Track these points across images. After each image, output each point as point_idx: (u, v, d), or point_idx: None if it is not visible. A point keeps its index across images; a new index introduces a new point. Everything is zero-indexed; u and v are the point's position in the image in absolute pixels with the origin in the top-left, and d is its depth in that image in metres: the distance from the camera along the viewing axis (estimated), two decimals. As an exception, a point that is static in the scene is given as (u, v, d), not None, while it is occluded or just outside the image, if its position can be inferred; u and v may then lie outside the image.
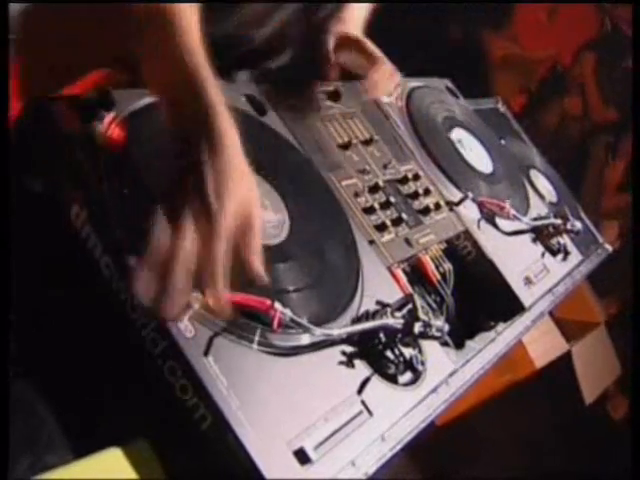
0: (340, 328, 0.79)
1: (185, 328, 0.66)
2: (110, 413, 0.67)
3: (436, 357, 0.89)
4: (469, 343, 1.09)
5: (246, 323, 0.71)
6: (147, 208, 0.72)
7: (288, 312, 0.69)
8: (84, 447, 0.63)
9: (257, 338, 0.71)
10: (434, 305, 1.06)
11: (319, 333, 0.72)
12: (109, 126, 0.77)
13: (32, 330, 0.68)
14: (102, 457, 0.62)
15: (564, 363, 2.14)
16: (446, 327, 0.88)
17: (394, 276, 0.96)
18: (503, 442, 2.17)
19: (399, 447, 0.80)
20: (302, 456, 0.67)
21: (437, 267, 1.08)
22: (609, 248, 1.66)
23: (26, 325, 0.68)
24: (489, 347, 1.15)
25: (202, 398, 0.65)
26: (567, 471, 2.27)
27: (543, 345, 2.02)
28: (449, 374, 0.91)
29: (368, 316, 0.84)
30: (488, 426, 2.06)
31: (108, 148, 0.74)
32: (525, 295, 1.13)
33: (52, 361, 0.68)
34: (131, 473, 0.63)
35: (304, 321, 0.71)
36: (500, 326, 1.17)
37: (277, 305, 0.68)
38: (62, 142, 0.72)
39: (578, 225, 1.33)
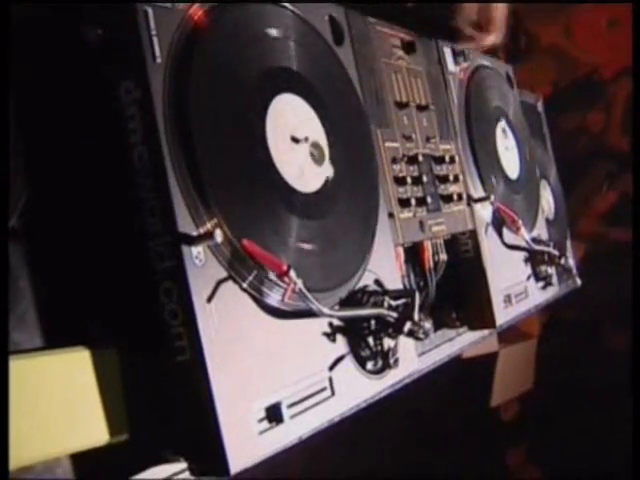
0: (336, 307, 0.76)
1: (197, 255, 0.62)
2: (91, 308, 0.62)
3: (407, 355, 0.87)
4: (431, 335, 1.09)
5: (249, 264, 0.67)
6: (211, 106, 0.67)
7: (300, 283, 0.66)
8: (55, 335, 0.60)
9: (250, 278, 0.68)
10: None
11: (316, 309, 0.69)
12: (192, 5, 0.69)
13: (36, 193, 0.63)
14: (65, 354, 0.59)
15: (488, 362, 2.19)
16: (432, 331, 0.86)
17: (396, 253, 0.93)
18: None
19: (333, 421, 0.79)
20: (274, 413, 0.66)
21: (433, 255, 1.06)
22: (578, 282, 1.66)
23: (32, 184, 0.63)
24: (445, 345, 1.15)
25: (188, 329, 0.61)
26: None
27: (477, 339, 2.05)
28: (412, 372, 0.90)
29: (364, 295, 0.81)
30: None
31: (186, 28, 0.67)
32: (500, 314, 1.13)
33: (47, 233, 0.62)
34: (89, 378, 0.60)
35: (310, 295, 0.67)
36: (462, 329, 1.17)
37: (292, 274, 0.64)
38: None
39: (570, 263, 1.32)
